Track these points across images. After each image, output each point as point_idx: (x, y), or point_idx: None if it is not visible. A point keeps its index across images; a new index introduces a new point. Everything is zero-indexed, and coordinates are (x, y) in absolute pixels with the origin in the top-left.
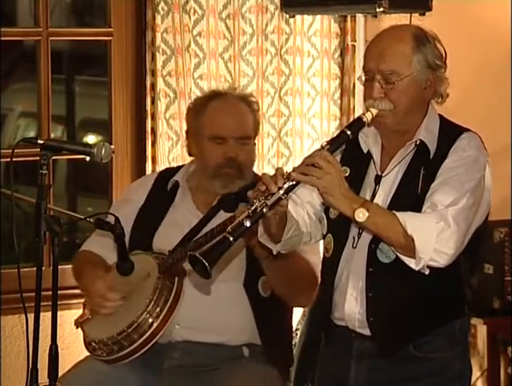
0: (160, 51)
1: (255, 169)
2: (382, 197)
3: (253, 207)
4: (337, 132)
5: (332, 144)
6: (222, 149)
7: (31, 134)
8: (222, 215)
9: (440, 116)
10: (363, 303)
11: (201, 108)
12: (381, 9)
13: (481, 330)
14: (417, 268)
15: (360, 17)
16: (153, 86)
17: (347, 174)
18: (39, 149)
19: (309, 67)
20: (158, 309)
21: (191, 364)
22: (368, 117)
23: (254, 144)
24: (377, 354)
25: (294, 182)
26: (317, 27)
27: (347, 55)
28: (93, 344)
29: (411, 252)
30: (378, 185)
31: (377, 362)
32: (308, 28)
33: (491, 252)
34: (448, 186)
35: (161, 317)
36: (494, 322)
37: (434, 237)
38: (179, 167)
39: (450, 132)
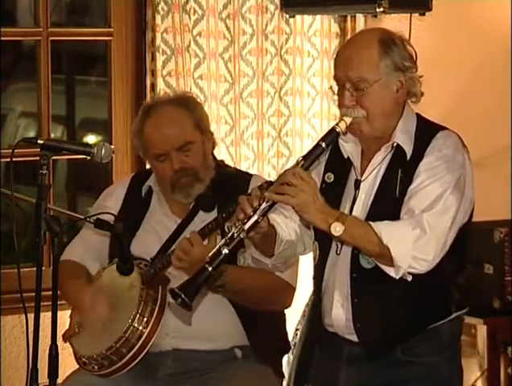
0: (160, 51)
1: (255, 169)
2: (363, 202)
3: (229, 234)
4: (312, 145)
5: (307, 159)
6: (167, 164)
7: (31, 134)
8: (201, 217)
9: (418, 115)
10: (349, 309)
11: (139, 129)
12: (381, 9)
13: (480, 330)
14: (397, 277)
15: (360, 17)
16: (153, 86)
17: (331, 181)
18: (39, 149)
19: (309, 67)
20: (144, 320)
21: (185, 370)
22: (342, 126)
23: (209, 136)
24: (366, 359)
25: (269, 203)
26: (317, 27)
27: None
28: (83, 359)
29: (390, 261)
30: (358, 190)
31: (367, 366)
32: (308, 28)
33: (491, 252)
34: (424, 189)
35: (148, 328)
36: (494, 322)
37: (410, 245)
38: (150, 170)
39: (426, 132)
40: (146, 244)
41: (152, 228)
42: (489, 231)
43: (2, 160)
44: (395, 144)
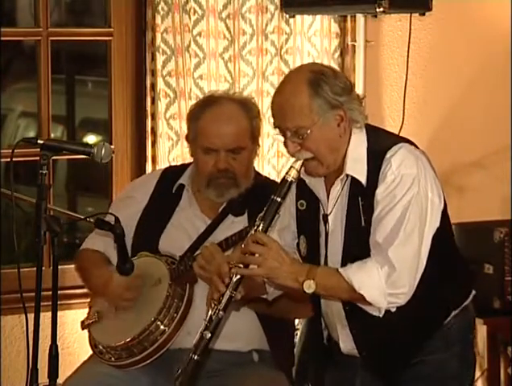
0: (160, 51)
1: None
2: (335, 235)
3: (208, 317)
4: (268, 203)
5: (266, 219)
6: (213, 160)
7: (31, 134)
8: (230, 219)
9: (368, 135)
10: (351, 340)
11: (197, 115)
12: (381, 9)
13: (480, 330)
14: (381, 315)
15: (360, 17)
16: (153, 86)
17: (304, 208)
18: (39, 149)
19: None
20: (169, 316)
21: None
22: (292, 173)
23: (257, 147)
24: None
25: (239, 277)
26: (317, 27)
27: (347, 55)
28: (101, 348)
29: (367, 303)
30: (327, 224)
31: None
32: (308, 28)
33: (491, 252)
34: (384, 219)
35: (172, 325)
36: (494, 322)
37: (383, 284)
38: (182, 166)
39: (377, 155)
40: (174, 240)
41: (181, 225)
42: (489, 231)
43: (2, 160)
44: (349, 175)
